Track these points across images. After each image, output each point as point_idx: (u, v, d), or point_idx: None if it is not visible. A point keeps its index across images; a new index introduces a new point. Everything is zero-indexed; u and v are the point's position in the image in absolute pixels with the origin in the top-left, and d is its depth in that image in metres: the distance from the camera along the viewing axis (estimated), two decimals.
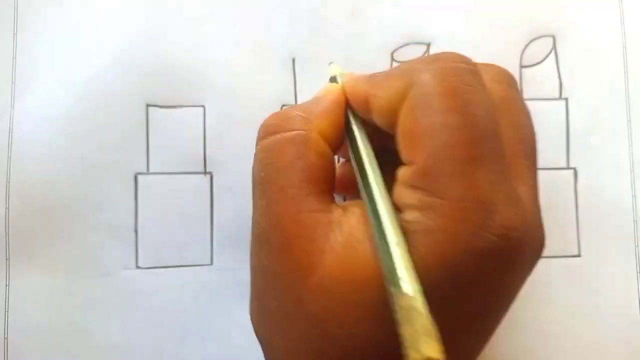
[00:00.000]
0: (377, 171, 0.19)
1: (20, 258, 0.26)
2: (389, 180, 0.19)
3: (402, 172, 0.18)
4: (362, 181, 0.20)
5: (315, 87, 0.23)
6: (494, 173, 0.17)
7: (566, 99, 0.28)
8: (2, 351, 0.26)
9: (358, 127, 0.21)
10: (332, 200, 0.20)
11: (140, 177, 0.27)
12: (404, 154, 0.18)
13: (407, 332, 0.16)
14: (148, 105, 0.27)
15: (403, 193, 0.18)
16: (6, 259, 0.26)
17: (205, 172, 0.27)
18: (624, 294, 0.27)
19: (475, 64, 0.19)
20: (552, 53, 0.28)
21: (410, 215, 0.18)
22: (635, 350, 0.26)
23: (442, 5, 0.28)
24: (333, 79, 0.23)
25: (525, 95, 0.27)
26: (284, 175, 0.20)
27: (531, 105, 0.27)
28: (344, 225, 0.19)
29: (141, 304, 0.26)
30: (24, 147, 0.27)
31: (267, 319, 0.20)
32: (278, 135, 0.21)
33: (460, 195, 0.17)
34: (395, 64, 0.28)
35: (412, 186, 0.18)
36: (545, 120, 0.27)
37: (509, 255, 0.17)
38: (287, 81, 0.27)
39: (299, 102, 0.27)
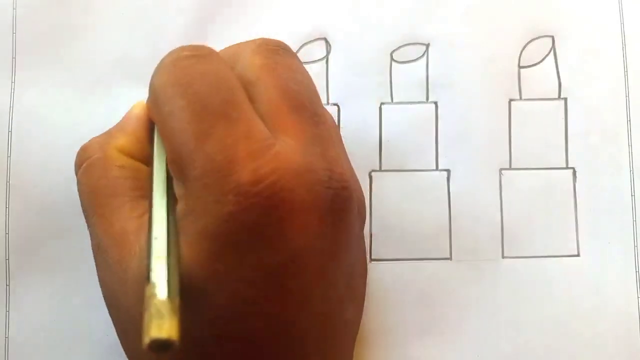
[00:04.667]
0: (162, 171, 0.20)
1: (20, 258, 0.26)
2: None
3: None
4: (149, 182, 0.21)
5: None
6: (228, 138, 0.18)
7: (565, 99, 0.28)
8: (3, 350, 0.26)
9: (157, 132, 0.22)
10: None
11: None
12: (167, 152, 0.20)
13: (144, 319, 0.16)
14: None
15: (175, 188, 0.19)
16: (6, 259, 0.26)
17: None
18: (624, 294, 0.27)
19: (199, 49, 0.20)
20: (551, 53, 0.28)
21: (179, 207, 0.19)
22: (635, 350, 0.26)
23: (441, 5, 0.28)
24: None
25: (524, 95, 0.27)
26: (93, 198, 0.21)
27: (530, 106, 0.28)
28: None
29: None
30: (24, 147, 0.27)
31: (117, 333, 0.22)
32: (81, 167, 0.22)
33: (198, 173, 0.18)
34: (394, 64, 0.28)
35: (175, 178, 0.19)
36: (544, 120, 0.27)
37: (271, 206, 0.18)
38: None
39: None
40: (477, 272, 0.27)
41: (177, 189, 0.19)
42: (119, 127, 0.23)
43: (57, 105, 0.27)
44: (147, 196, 0.21)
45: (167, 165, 0.20)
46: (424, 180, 0.27)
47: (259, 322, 0.19)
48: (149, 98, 0.21)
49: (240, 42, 0.23)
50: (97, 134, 0.27)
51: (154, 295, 0.16)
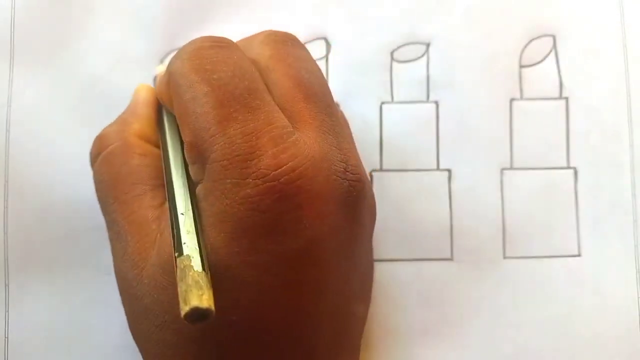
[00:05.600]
0: (178, 152, 0.21)
1: (19, 258, 0.26)
2: None
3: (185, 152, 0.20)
4: (163, 163, 0.21)
5: None
6: (250, 123, 0.18)
7: (566, 99, 0.28)
8: (2, 350, 0.26)
9: (167, 115, 0.23)
10: None
11: None
12: (182, 136, 0.20)
13: (180, 289, 0.17)
14: None
15: (191, 171, 0.20)
16: (5, 259, 0.26)
17: None
18: (624, 294, 0.27)
19: (221, 40, 0.21)
20: (552, 53, 0.28)
21: (198, 188, 0.19)
22: (635, 350, 0.26)
23: (441, 5, 0.28)
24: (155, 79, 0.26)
25: (525, 94, 0.27)
26: (114, 186, 0.22)
27: (531, 105, 0.28)
28: None
29: None
30: (23, 146, 0.27)
31: (129, 324, 0.21)
32: (100, 155, 0.22)
33: (218, 156, 0.18)
34: (395, 64, 0.28)
35: (191, 163, 0.19)
36: (545, 120, 0.27)
37: (288, 192, 0.18)
38: None
39: None
40: (479, 272, 0.27)
41: (194, 173, 0.20)
42: (131, 112, 0.24)
43: (56, 105, 0.27)
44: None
45: (182, 148, 0.21)
46: (425, 180, 0.27)
47: (273, 312, 0.19)
48: (163, 83, 0.22)
49: (249, 35, 0.23)
50: (97, 134, 0.27)
51: (189, 267, 0.17)
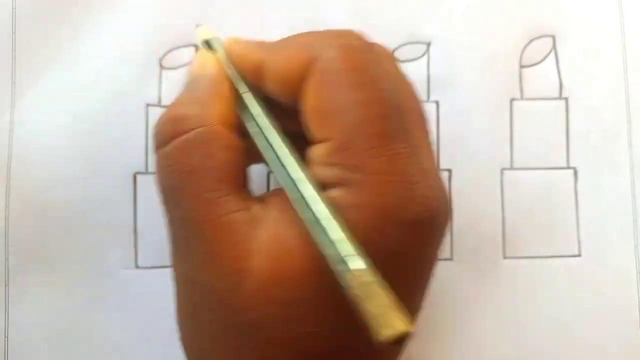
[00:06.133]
0: (289, 148, 0.19)
1: (19, 257, 0.26)
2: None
3: (316, 150, 0.18)
4: (275, 162, 0.19)
5: None
6: (406, 146, 0.18)
7: (566, 99, 0.28)
8: (2, 350, 0.26)
9: (257, 100, 0.20)
10: (249, 195, 0.20)
11: (139, 177, 0.27)
12: (316, 130, 0.18)
13: (370, 308, 0.15)
14: (148, 105, 0.27)
15: (320, 171, 0.18)
16: (5, 259, 0.26)
17: None
18: (624, 294, 0.27)
19: (367, 43, 0.20)
20: (552, 53, 0.28)
21: (333, 193, 0.18)
22: (635, 350, 0.26)
23: (441, 5, 0.28)
24: (206, 44, 0.22)
25: (525, 95, 0.27)
26: (195, 180, 0.19)
27: (531, 105, 0.28)
28: (267, 220, 0.18)
29: (141, 304, 0.26)
30: (24, 147, 0.27)
31: (200, 335, 0.20)
32: (177, 140, 0.19)
33: (380, 169, 0.17)
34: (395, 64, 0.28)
35: (330, 163, 0.18)
36: (545, 120, 0.27)
37: (430, 225, 0.18)
38: None
39: None
40: (479, 272, 0.27)
41: (323, 174, 0.18)
42: (209, 92, 0.20)
43: (57, 105, 0.27)
44: (242, 178, 0.20)
45: (288, 141, 0.19)
46: None
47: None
48: (253, 50, 0.20)
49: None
50: (97, 135, 0.27)
51: (371, 283, 0.16)
